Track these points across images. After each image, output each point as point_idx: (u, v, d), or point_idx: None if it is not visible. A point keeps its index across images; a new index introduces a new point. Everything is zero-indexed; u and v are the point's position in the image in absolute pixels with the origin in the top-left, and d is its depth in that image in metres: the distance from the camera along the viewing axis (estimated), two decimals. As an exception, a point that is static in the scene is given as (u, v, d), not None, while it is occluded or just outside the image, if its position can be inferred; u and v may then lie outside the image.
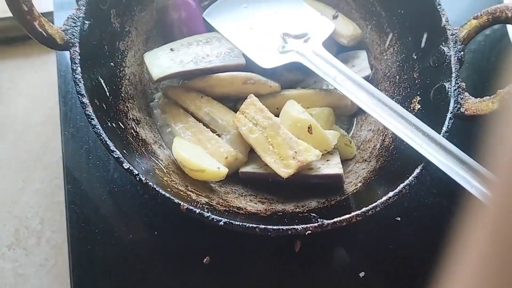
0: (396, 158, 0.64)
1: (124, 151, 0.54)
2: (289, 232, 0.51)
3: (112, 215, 0.69)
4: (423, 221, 0.73)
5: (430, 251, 0.68)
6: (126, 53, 0.68)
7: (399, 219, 0.72)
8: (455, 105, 0.60)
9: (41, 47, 0.87)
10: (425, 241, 0.71)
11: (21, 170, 0.87)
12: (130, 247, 0.67)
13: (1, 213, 0.83)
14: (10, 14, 0.89)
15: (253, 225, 0.51)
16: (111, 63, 0.64)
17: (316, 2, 0.78)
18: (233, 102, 0.70)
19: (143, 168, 0.55)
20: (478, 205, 0.23)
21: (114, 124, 0.58)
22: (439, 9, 0.65)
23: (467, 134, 0.76)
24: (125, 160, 0.51)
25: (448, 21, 0.65)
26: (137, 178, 0.50)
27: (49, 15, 0.83)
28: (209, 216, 0.50)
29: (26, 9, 0.49)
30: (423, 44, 0.69)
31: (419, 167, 0.56)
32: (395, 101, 0.70)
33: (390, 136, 0.68)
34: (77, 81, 0.53)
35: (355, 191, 0.64)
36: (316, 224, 0.52)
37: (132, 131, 0.63)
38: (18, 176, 0.86)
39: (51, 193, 0.85)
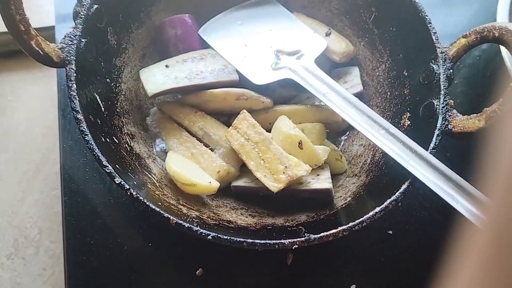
0: (385, 173, 0.65)
1: (117, 165, 0.56)
2: (276, 246, 0.52)
3: (107, 226, 0.70)
4: (415, 234, 0.74)
5: (421, 264, 0.69)
6: (122, 69, 0.70)
7: (391, 232, 0.73)
8: (443, 122, 0.61)
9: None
10: (416, 255, 0.72)
11: (21, 181, 0.88)
12: (124, 258, 0.68)
13: (1, 223, 0.85)
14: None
15: (241, 239, 0.52)
16: (107, 79, 0.66)
17: (310, 19, 0.79)
18: (226, 117, 0.71)
19: (135, 183, 0.57)
20: (469, 224, 0.23)
21: (108, 139, 0.60)
22: (429, 28, 0.67)
23: (460, 151, 0.77)
24: (116, 175, 0.53)
25: (438, 39, 0.66)
26: (128, 193, 0.52)
27: (51, 29, 0.85)
28: (198, 230, 0.51)
29: (23, 29, 0.51)
30: (413, 62, 0.70)
31: (406, 183, 0.57)
32: (386, 117, 0.72)
33: (380, 151, 0.69)
34: (72, 98, 0.55)
35: (344, 205, 0.65)
36: (303, 239, 0.53)
37: (126, 145, 0.64)
38: (19, 187, 0.88)
39: (50, 204, 0.87)
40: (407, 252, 0.72)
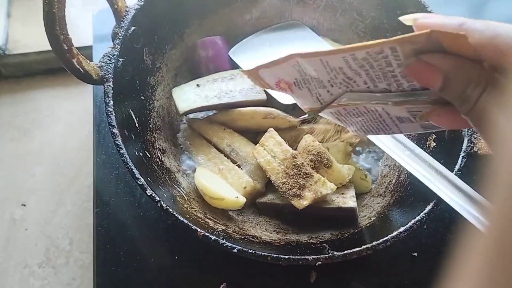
0: (410, 194, 0.66)
1: (148, 178, 0.58)
2: (300, 262, 0.53)
3: (136, 238, 0.72)
4: (440, 257, 0.73)
5: None
6: (156, 87, 0.73)
7: (415, 254, 0.73)
8: (469, 144, 0.61)
9: (79, 78, 0.92)
10: (441, 278, 0.71)
11: (55, 193, 0.92)
12: (151, 270, 0.70)
13: (34, 233, 0.89)
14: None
15: (266, 254, 0.53)
16: (142, 97, 0.69)
17: (337, 43, 0.82)
18: (254, 135, 0.73)
19: (165, 195, 0.59)
20: (473, 230, 0.23)
21: (141, 153, 0.63)
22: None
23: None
24: (148, 187, 0.55)
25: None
26: (158, 204, 0.54)
27: (88, 49, 0.90)
28: (224, 243, 0.53)
29: (66, 48, 0.55)
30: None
31: (431, 204, 0.58)
32: (412, 139, 0.72)
33: (405, 172, 0.69)
34: (109, 113, 0.58)
35: (368, 224, 0.65)
36: (326, 256, 0.54)
37: (158, 159, 0.67)
38: (53, 199, 0.92)
39: (82, 216, 0.90)
40: (432, 275, 0.72)
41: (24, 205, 0.91)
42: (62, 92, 1.04)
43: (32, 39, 0.99)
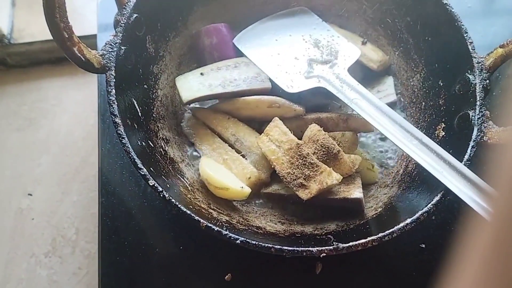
0: (418, 184, 0.64)
1: (151, 168, 0.57)
2: (304, 253, 0.52)
3: (140, 228, 0.72)
4: (448, 248, 0.72)
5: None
6: (159, 76, 0.72)
7: (423, 246, 0.71)
8: (478, 133, 0.60)
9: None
10: (448, 268, 0.70)
11: (61, 182, 0.92)
12: (156, 260, 0.69)
13: (40, 222, 0.89)
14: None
15: (269, 245, 0.52)
16: (145, 86, 0.68)
17: (343, 30, 0.80)
18: (259, 124, 0.72)
19: (168, 185, 0.58)
20: (476, 219, 0.23)
21: (144, 143, 0.62)
22: (465, 37, 0.66)
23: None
24: (151, 177, 0.54)
25: (474, 49, 0.65)
26: (161, 195, 0.53)
27: (93, 38, 0.89)
28: (227, 234, 0.52)
29: (67, 36, 0.54)
30: (449, 71, 0.69)
31: (439, 195, 0.56)
32: (420, 127, 0.71)
33: (413, 162, 0.68)
34: (111, 102, 0.57)
35: (375, 215, 0.64)
36: (331, 247, 0.53)
37: (161, 149, 0.66)
38: (58, 188, 0.92)
39: (87, 205, 0.90)
40: (440, 267, 0.70)
41: (31, 195, 0.91)
42: (69, 82, 1.03)
43: (37, 28, 0.98)
